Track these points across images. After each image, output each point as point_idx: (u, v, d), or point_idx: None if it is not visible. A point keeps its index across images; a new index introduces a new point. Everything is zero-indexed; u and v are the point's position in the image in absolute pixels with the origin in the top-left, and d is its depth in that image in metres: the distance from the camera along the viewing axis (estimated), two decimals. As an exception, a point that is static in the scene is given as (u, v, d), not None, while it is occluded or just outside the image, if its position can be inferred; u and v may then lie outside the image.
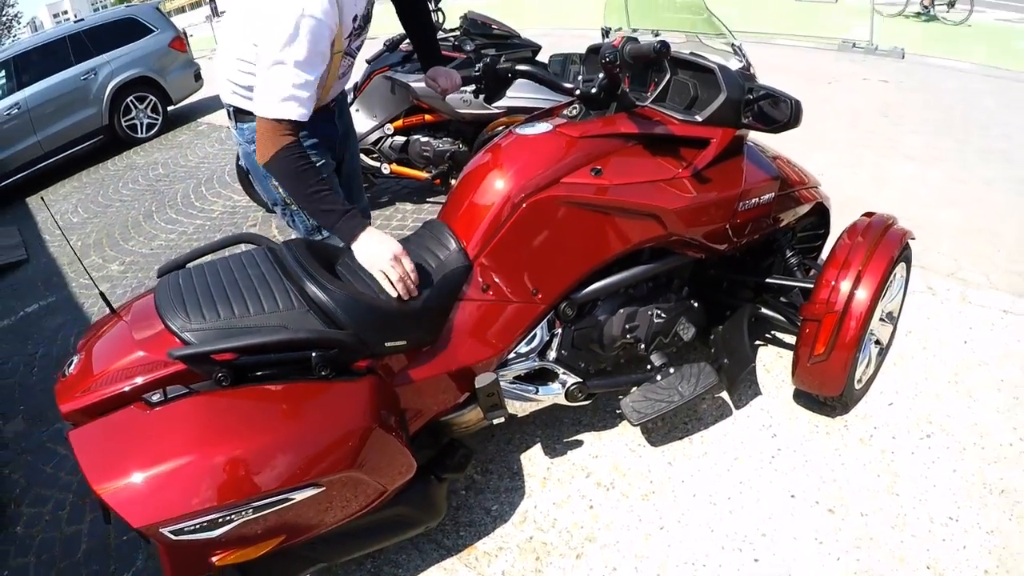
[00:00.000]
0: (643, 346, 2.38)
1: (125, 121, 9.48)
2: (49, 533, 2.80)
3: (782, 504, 2.30)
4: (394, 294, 1.92)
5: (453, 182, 4.65)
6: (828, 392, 2.49)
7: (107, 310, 1.99)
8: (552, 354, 2.27)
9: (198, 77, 10.40)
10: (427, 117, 4.75)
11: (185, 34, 10.59)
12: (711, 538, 2.22)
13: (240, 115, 2.42)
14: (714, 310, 2.65)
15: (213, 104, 10.72)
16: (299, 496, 1.65)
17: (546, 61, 4.72)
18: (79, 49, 9.09)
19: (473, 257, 2.09)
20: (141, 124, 9.63)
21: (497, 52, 4.78)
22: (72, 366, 1.79)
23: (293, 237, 2.41)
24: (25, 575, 2.61)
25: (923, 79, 7.37)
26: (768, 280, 2.70)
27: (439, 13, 5.38)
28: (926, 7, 12.14)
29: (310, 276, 1.85)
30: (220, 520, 1.58)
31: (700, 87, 2.29)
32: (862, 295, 2.32)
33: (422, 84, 4.53)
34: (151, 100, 9.68)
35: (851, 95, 6.86)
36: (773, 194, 2.48)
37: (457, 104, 4.55)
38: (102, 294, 2.06)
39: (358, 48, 2.40)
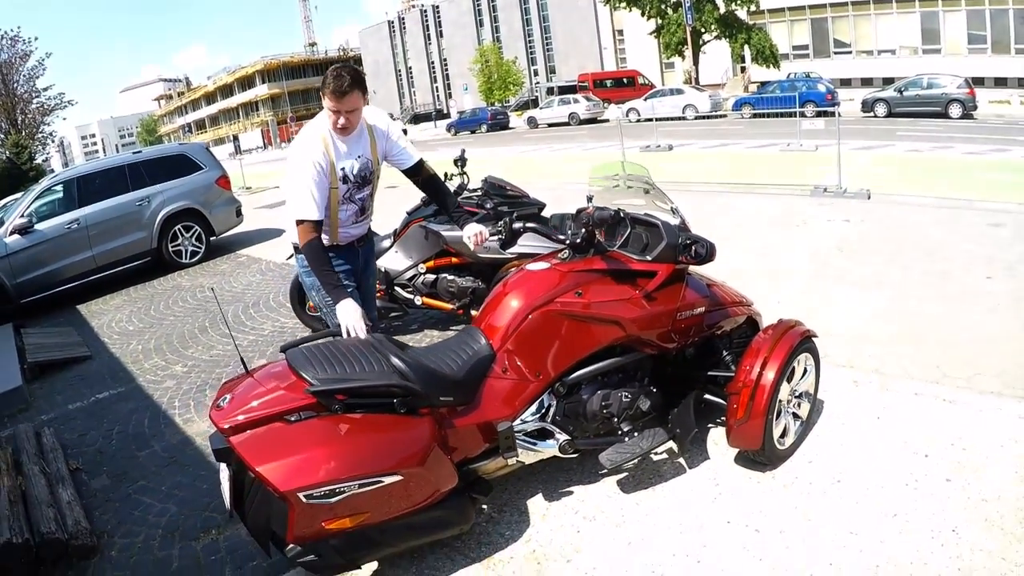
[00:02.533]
0: (615, 419, 3.31)
1: (172, 247, 10.75)
2: (143, 556, 3.56)
3: (720, 527, 3.11)
4: (350, 335, 3.12)
5: (473, 313, 5.65)
6: (751, 446, 3.37)
7: (239, 370, 3.01)
8: (549, 418, 3.23)
9: (239, 213, 11.71)
10: (454, 259, 5.83)
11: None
12: (666, 549, 3.01)
13: (299, 249, 3.66)
14: (673, 396, 3.52)
15: (251, 239, 12.12)
16: (386, 480, 2.62)
17: (548, 215, 5.80)
18: (136, 177, 10.51)
19: (496, 348, 3.13)
20: (186, 251, 10.90)
21: (510, 209, 5.82)
22: (226, 401, 2.73)
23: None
24: (123, 586, 3.37)
25: (882, 216, 8.45)
26: (709, 373, 3.67)
27: (464, 176, 6.49)
28: None
29: (394, 352, 2.86)
30: (337, 491, 2.53)
31: (650, 236, 3.36)
32: (768, 374, 3.28)
33: (451, 233, 5.64)
34: (196, 230, 10.97)
35: (814, 235, 7.95)
36: (703, 309, 3.51)
37: (479, 249, 5.58)
38: (241, 358, 3.12)
39: (361, 200, 3.69)
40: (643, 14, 40.74)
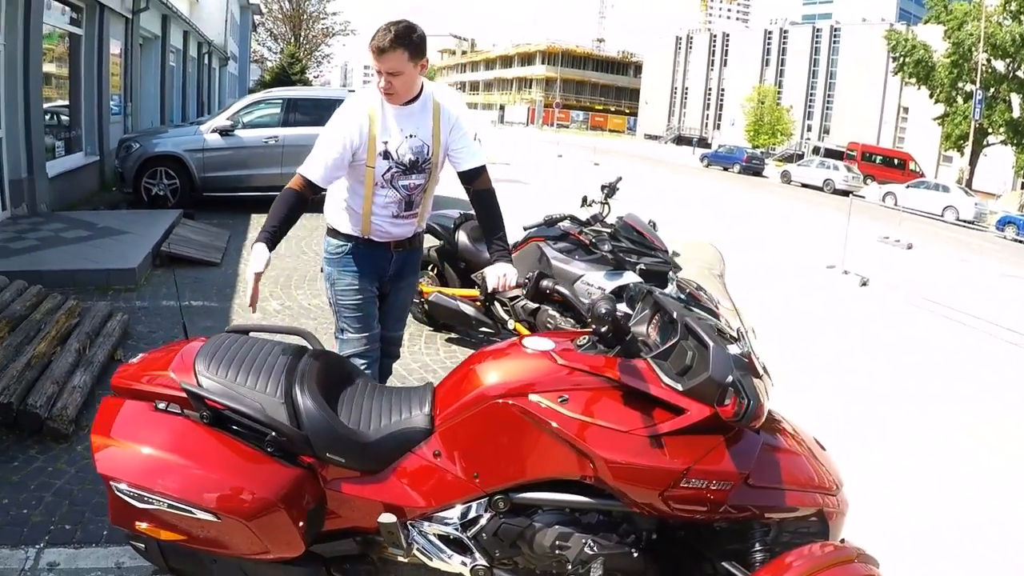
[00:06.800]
0: (569, 566, 2.46)
1: None
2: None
3: None
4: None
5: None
6: None
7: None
8: (472, 532, 2.49)
9: None
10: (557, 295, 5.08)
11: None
12: None
13: (329, 231, 3.38)
14: (668, 570, 2.63)
15: (439, 203, 11.99)
16: (199, 514, 2.27)
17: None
18: None
19: (437, 426, 2.49)
20: None
21: (636, 258, 5.16)
22: (136, 359, 2.60)
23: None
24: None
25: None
26: (723, 563, 2.56)
27: (606, 207, 5.80)
28: None
29: (301, 383, 2.46)
30: (146, 498, 2.26)
31: (698, 359, 2.34)
32: None
33: (561, 265, 5.15)
34: None
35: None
36: (732, 484, 2.39)
37: (582, 294, 4.96)
38: (183, 324, 2.87)
39: (406, 190, 3.20)
40: (931, 95, 37.06)
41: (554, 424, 2.33)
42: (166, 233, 7.95)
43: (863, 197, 31.73)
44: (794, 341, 7.20)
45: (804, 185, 35.22)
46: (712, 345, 2.29)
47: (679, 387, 2.32)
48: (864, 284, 10.74)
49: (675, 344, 2.41)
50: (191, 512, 2.26)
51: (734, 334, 2.54)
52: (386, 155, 3.09)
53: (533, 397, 2.36)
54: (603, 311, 2.33)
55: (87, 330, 4.94)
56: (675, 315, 2.46)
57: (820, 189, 33.94)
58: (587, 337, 2.58)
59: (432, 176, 3.27)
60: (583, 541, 2.42)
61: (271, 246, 2.85)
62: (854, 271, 11.14)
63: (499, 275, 3.04)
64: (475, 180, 3.25)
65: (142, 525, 2.34)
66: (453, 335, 6.08)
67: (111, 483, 2.27)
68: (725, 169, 40.19)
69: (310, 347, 2.75)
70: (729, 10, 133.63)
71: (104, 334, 5.04)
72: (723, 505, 2.41)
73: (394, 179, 3.15)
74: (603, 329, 2.43)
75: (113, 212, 9.43)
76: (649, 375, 2.40)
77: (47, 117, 10.65)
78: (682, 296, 2.97)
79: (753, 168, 40.07)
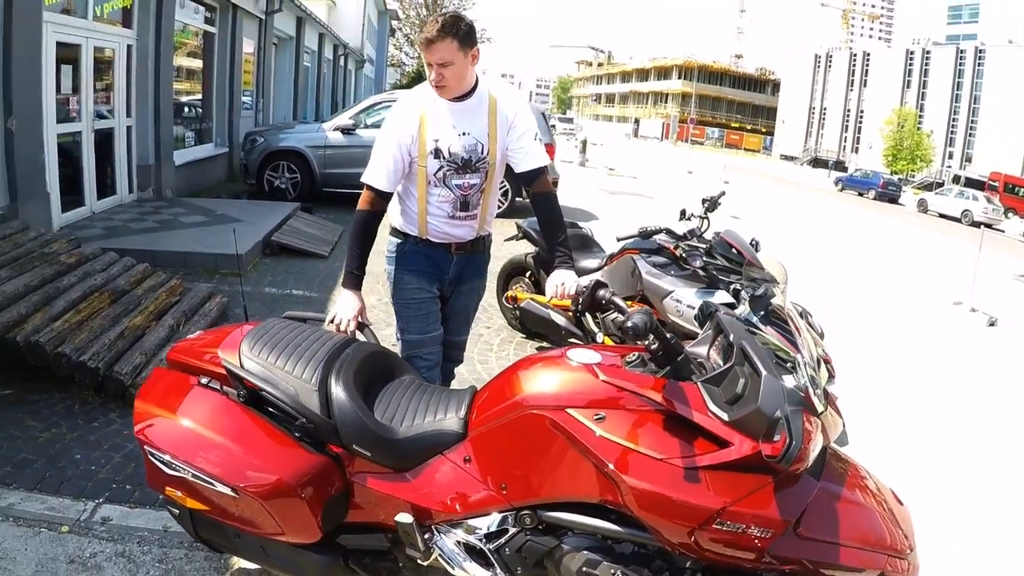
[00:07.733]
0: None
1: None
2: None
3: None
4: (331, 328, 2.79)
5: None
6: None
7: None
8: (496, 545, 2.37)
9: (555, 184, 11.85)
10: (653, 310, 4.90)
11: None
12: None
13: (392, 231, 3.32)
14: None
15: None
16: (219, 487, 2.30)
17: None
18: None
19: (470, 430, 2.40)
20: None
21: (733, 278, 4.78)
22: (195, 335, 2.73)
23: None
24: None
25: None
26: None
27: (705, 221, 5.46)
28: None
29: (338, 373, 2.45)
30: (174, 465, 2.33)
31: (750, 388, 2.13)
32: None
33: (652, 280, 4.99)
34: (504, 186, 11.07)
35: None
36: (773, 532, 2.15)
37: (671, 310, 4.83)
38: (244, 307, 3.09)
39: (459, 190, 3.07)
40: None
41: (586, 443, 2.17)
42: (280, 224, 8.27)
43: (1002, 231, 29.77)
44: (904, 379, 6.73)
45: (941, 215, 33.31)
46: (764, 374, 2.06)
47: (725, 416, 2.12)
48: (992, 324, 9.82)
49: (729, 369, 2.20)
50: (212, 484, 2.30)
51: (797, 363, 2.29)
52: (437, 153, 2.98)
53: (570, 411, 2.21)
54: (629, 325, 2.18)
55: (184, 308, 5.17)
56: (732, 337, 2.24)
57: (958, 220, 31.95)
58: (637, 354, 2.41)
59: (490, 176, 3.11)
60: (612, 572, 2.25)
61: (360, 286, 2.96)
62: (982, 309, 10.30)
63: (557, 283, 2.94)
64: (534, 182, 3.12)
65: (174, 492, 2.42)
66: (545, 343, 5.99)
67: (145, 447, 2.36)
68: (860, 194, 38.66)
69: (362, 339, 2.76)
70: (871, 28, 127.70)
71: (201, 314, 5.26)
72: (764, 554, 2.19)
73: (447, 178, 3.03)
74: (654, 347, 2.26)
75: (234, 201, 9.93)
76: (695, 401, 2.19)
77: (184, 109, 11.30)
78: (752, 318, 2.78)
79: (889, 195, 38.35)
